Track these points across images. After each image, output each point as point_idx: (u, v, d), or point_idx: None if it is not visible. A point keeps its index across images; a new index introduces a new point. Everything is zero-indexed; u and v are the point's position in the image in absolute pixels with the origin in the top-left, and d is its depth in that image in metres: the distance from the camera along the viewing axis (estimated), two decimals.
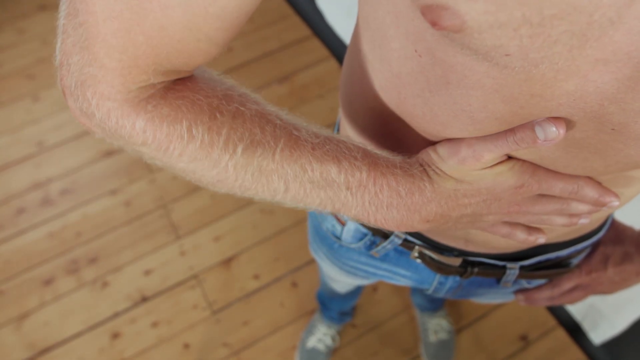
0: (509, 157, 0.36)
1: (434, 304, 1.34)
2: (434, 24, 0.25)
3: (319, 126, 0.38)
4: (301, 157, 0.35)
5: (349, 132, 0.50)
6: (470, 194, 0.38)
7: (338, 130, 0.58)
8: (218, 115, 0.33)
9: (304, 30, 2.03)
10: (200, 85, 0.34)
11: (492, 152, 0.34)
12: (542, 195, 0.39)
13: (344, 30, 1.82)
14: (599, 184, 0.38)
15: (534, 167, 0.36)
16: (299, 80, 1.89)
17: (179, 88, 0.33)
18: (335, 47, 1.92)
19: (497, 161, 0.35)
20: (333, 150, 0.36)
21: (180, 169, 0.35)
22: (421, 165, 0.38)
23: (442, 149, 0.36)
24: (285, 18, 2.07)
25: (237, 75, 1.87)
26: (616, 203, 0.38)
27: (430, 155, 0.37)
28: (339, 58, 1.93)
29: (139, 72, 0.30)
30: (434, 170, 0.37)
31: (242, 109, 0.34)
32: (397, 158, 0.39)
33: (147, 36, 0.29)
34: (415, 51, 0.31)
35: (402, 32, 0.31)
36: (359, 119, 0.46)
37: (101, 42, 0.29)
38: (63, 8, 0.30)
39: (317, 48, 1.97)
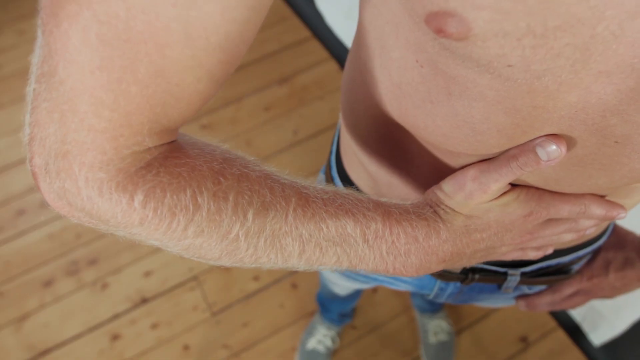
0: (513, 186, 0.36)
1: (434, 306, 1.34)
2: (439, 32, 0.25)
3: (321, 184, 0.37)
4: (315, 216, 0.33)
5: (350, 139, 0.49)
6: (482, 229, 0.38)
7: (338, 137, 0.58)
8: (222, 179, 0.31)
9: (303, 31, 2.03)
10: (196, 151, 0.31)
11: (498, 182, 0.33)
12: (551, 219, 0.39)
13: (343, 32, 1.82)
14: (604, 199, 0.38)
15: (540, 194, 0.36)
16: (299, 81, 1.89)
17: (176, 155, 0.30)
18: (335, 49, 1.92)
19: (502, 191, 0.35)
20: (345, 204, 0.35)
21: (183, 246, 0.31)
22: (430, 206, 0.38)
23: (447, 186, 0.36)
24: (285, 20, 2.07)
25: (237, 77, 1.87)
26: (623, 215, 0.38)
27: (436, 194, 0.37)
28: (339, 60, 1.93)
29: (132, 132, 0.27)
30: (443, 209, 0.37)
31: (246, 170, 0.32)
32: (407, 203, 0.38)
33: (142, 85, 0.25)
34: (417, 61, 0.31)
35: (402, 42, 0.31)
36: (360, 127, 0.46)
37: (88, 98, 0.25)
38: (34, 70, 0.26)
39: (316, 50, 1.97)
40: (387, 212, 0.36)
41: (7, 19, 2.11)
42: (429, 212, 0.37)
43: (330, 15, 1.86)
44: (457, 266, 0.41)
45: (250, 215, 0.31)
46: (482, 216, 0.37)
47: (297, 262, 0.35)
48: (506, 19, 0.23)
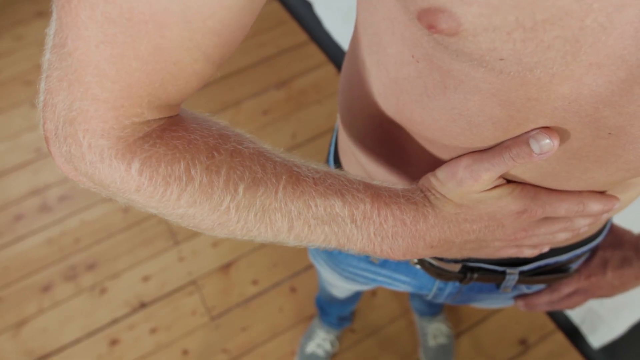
0: (509, 182, 0.36)
1: (433, 309, 1.34)
2: (430, 28, 0.26)
3: (315, 162, 0.38)
4: (304, 194, 0.35)
5: (348, 139, 0.50)
6: (472, 219, 0.38)
7: (336, 137, 0.58)
8: (216, 154, 0.32)
9: (301, 35, 2.04)
10: (195, 126, 0.33)
11: (489, 171, 0.34)
12: (547, 217, 0.39)
13: (341, 36, 1.83)
14: (600, 194, 0.38)
15: (536, 191, 0.36)
16: (297, 85, 1.89)
17: (174, 129, 0.32)
18: (333, 53, 1.93)
19: (496, 183, 0.35)
20: (335, 184, 0.36)
21: (177, 215, 0.33)
22: (422, 191, 0.38)
23: (440, 173, 0.36)
24: (283, 24, 2.07)
25: (235, 81, 1.88)
26: (617, 205, 0.38)
27: (430, 180, 0.37)
28: (337, 63, 1.94)
29: (132, 104, 0.28)
30: (434, 194, 0.37)
31: (240, 147, 0.33)
32: (397, 187, 0.39)
33: (142, 61, 0.27)
34: (413, 57, 0.31)
35: (398, 38, 0.32)
36: (357, 126, 0.46)
37: (93, 69, 0.27)
38: (49, 41, 0.29)
39: (314, 53, 1.98)
40: (377, 194, 0.37)
41: (5, 24, 2.12)
42: (419, 197, 0.38)
43: (328, 19, 1.86)
44: (447, 255, 0.41)
45: (241, 190, 0.32)
46: (473, 206, 0.37)
47: (286, 237, 0.36)
48: (495, 14, 0.23)
